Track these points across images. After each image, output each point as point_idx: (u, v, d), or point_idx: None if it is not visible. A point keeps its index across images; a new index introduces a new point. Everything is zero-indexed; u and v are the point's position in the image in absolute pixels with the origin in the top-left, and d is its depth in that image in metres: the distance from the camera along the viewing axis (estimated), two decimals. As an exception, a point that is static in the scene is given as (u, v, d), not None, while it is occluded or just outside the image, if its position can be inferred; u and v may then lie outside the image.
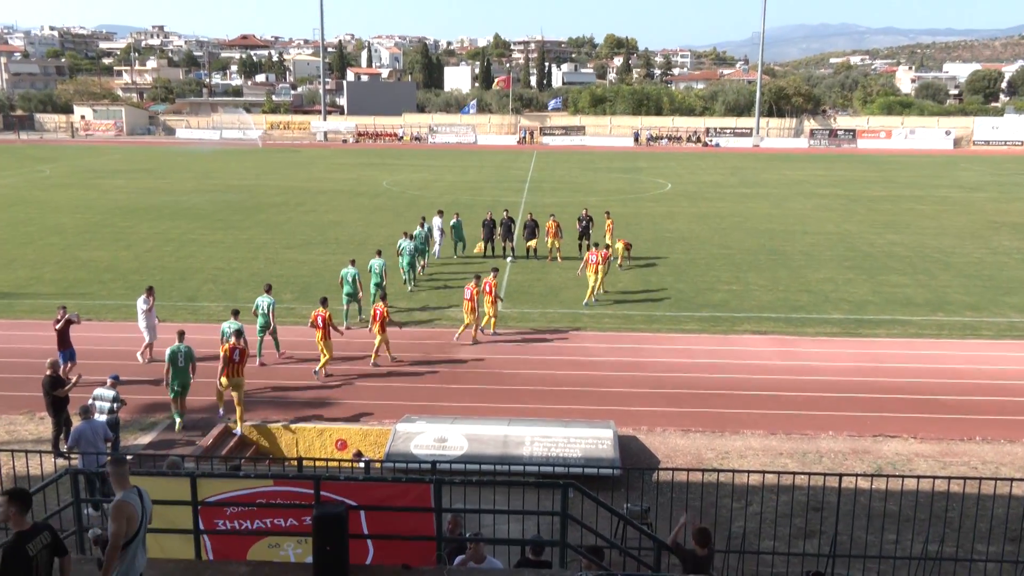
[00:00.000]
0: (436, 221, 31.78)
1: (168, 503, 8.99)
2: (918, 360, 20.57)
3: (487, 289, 21.51)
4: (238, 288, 26.99)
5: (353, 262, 23.44)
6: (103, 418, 14.24)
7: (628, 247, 30.30)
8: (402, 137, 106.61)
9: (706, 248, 34.49)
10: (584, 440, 14.90)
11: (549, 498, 12.13)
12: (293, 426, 16.36)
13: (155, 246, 34.01)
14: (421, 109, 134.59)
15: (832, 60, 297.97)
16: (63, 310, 18.80)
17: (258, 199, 48.60)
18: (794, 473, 11.75)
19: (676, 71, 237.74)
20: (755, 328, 23.04)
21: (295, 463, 12.23)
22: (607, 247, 28.33)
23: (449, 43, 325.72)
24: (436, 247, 31.60)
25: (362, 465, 13.37)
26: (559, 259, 31.06)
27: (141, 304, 20.16)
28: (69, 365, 18.26)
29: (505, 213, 32.30)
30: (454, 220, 31.77)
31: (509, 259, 31.35)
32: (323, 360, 18.98)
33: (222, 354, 16.46)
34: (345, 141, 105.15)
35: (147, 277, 28.44)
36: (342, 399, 17.89)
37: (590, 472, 14.06)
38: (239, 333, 17.37)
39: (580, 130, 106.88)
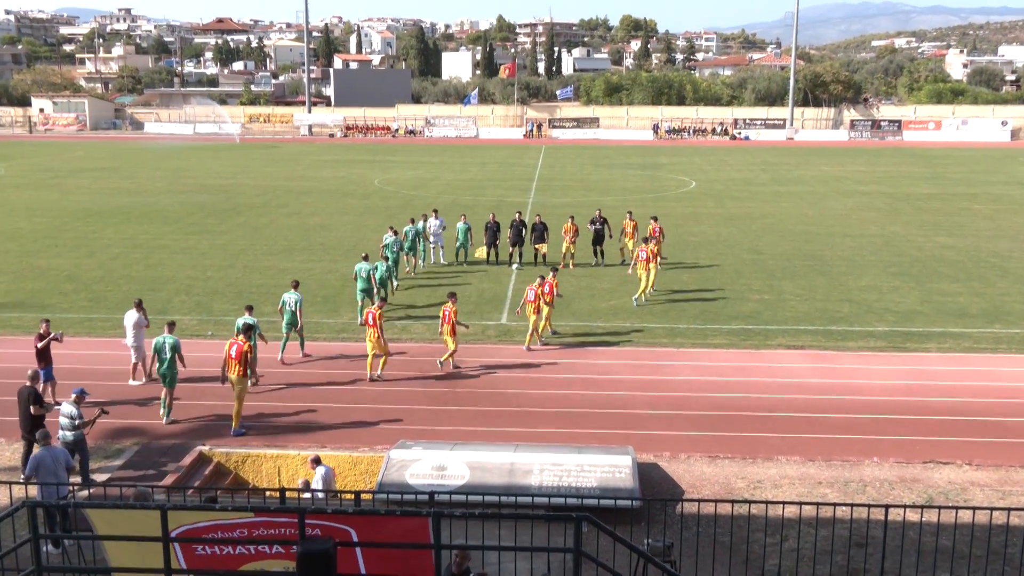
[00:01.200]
0: (433, 223, 31.84)
1: (135, 539, 8.99)
2: (973, 377, 20.51)
3: (547, 290, 22.23)
4: (213, 299, 27.05)
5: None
6: (69, 435, 14.61)
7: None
8: (396, 131, 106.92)
9: (735, 253, 34.47)
10: (599, 468, 14.87)
11: (561, 533, 12.10)
12: (275, 453, 16.35)
13: (121, 253, 34.13)
14: (417, 100, 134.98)
15: (874, 43, 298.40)
16: (46, 324, 18.86)
17: (235, 200, 48.76)
18: (835, 504, 11.72)
19: (700, 56, 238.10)
20: (790, 342, 23.00)
21: (277, 494, 12.20)
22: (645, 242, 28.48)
23: (447, 26, 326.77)
24: (432, 251, 31.73)
25: (308, 496, 13.53)
26: (571, 266, 31.08)
27: (131, 320, 20.09)
28: (47, 387, 18.28)
29: (517, 215, 32.38)
30: (461, 222, 31.85)
31: (515, 266, 31.38)
32: (381, 362, 20.10)
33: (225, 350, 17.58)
34: (332, 136, 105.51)
35: (112, 287, 28.55)
36: (330, 423, 17.90)
37: (606, 504, 14.02)
38: (247, 328, 18.29)
39: (593, 122, 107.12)
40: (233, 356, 17.34)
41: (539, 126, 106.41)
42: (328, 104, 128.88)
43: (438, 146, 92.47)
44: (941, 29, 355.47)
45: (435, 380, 20.21)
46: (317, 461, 14.47)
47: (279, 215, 43.62)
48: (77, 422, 14.90)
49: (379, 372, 20.16)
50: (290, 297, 21.41)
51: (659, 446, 16.77)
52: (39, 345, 18.47)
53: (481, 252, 31.84)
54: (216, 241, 36.63)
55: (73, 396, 15.12)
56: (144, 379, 19.85)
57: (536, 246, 31.64)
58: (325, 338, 23.21)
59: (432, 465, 15.07)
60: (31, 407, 15.20)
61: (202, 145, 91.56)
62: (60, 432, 14.91)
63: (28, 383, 15.48)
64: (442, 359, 20.83)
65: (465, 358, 21.55)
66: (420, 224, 31.19)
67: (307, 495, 13.95)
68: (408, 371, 20.76)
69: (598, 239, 31.83)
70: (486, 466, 15.01)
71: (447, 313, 20.65)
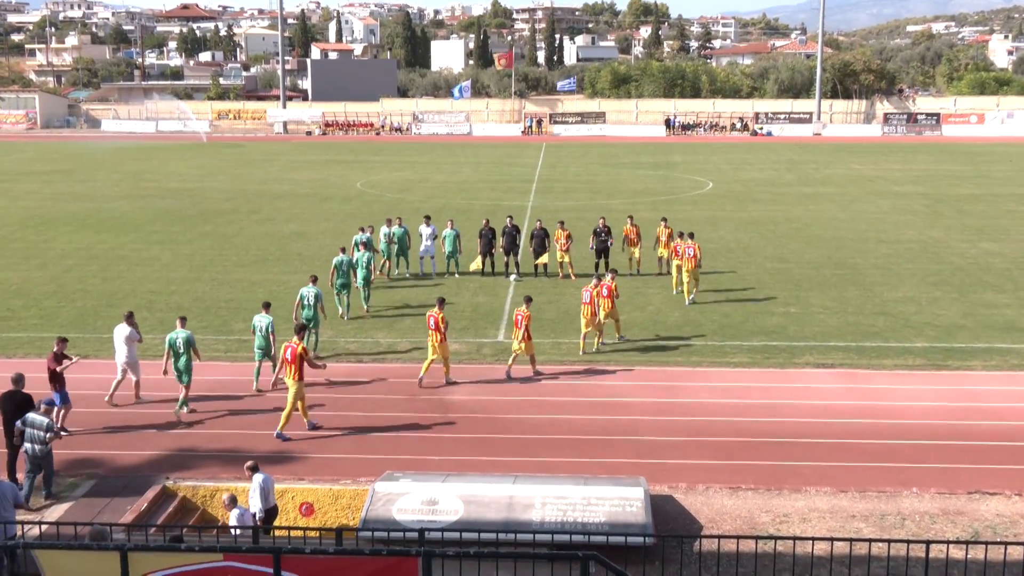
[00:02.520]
0: (424, 230, 31.87)
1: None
2: (1023, 398, 20.53)
3: (605, 293, 23.36)
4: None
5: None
6: (36, 448, 15.42)
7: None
8: (381, 128, 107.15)
9: (757, 261, 34.53)
10: (608, 501, 14.86)
11: (566, 573, 12.08)
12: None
13: (76, 264, 34.14)
14: (403, 93, 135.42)
15: (910, 28, 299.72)
16: (63, 343, 18.86)
17: (202, 206, 48.80)
18: (870, 540, 11.71)
19: (717, 43, 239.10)
20: (819, 360, 23.02)
21: (250, 532, 12.18)
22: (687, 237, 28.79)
23: (437, 12, 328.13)
24: (421, 259, 31.86)
25: (236, 512, 13.93)
26: (572, 276, 31.08)
27: (122, 335, 20.14)
28: (62, 411, 18.39)
29: (508, 220, 32.31)
30: (448, 229, 31.85)
31: (513, 277, 31.39)
32: (445, 368, 21.41)
33: (280, 355, 19.02)
34: (310, 133, 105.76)
35: (65, 303, 28.55)
36: (308, 452, 17.89)
37: (616, 541, 14.00)
38: (300, 329, 19.89)
39: (599, 117, 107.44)
40: (288, 359, 18.48)
41: (539, 122, 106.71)
42: (305, 99, 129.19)
43: (427, 144, 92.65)
44: (983, 12, 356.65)
45: (424, 404, 20.21)
46: (255, 468, 14.82)
47: (251, 222, 43.65)
48: (47, 435, 15.46)
49: (449, 378, 21.44)
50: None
51: (674, 476, 16.75)
52: (57, 368, 18.36)
53: (476, 263, 31.82)
54: (181, 251, 36.64)
55: (42, 407, 15.72)
56: (137, 399, 20.25)
57: (537, 260, 31.46)
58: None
59: (422, 499, 15.05)
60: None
61: (165, 145, 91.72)
62: (27, 444, 15.54)
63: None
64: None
65: (458, 379, 21.55)
66: (395, 228, 31.35)
67: (254, 508, 14.46)
68: (395, 394, 20.75)
69: (603, 251, 31.46)
70: (482, 500, 14.99)
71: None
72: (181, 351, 19.53)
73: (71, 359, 18.78)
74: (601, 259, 31.39)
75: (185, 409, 19.55)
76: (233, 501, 14.43)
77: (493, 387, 21.30)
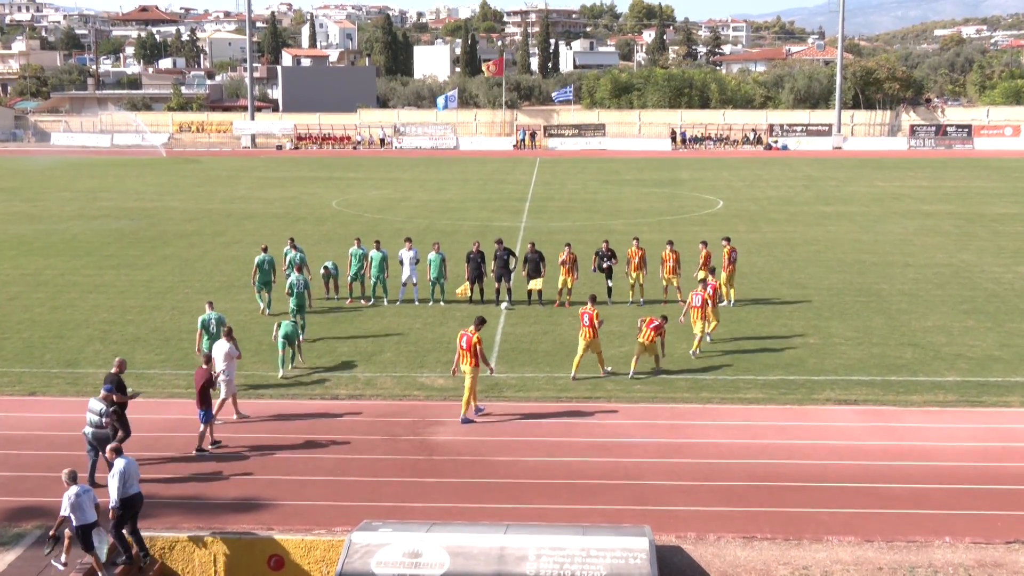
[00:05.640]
0: (406, 254, 31.90)
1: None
2: (1064, 437, 20.57)
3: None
4: (135, 348, 27.00)
5: (229, 333, 22.40)
6: (90, 431, 17.97)
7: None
8: (359, 142, 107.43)
9: (772, 287, 34.61)
10: (609, 553, 14.83)
11: (563, 633, 12.03)
12: (211, 536, 16.26)
13: (21, 292, 34.08)
14: (383, 103, 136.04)
15: (938, 32, 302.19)
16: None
17: (162, 227, 48.80)
18: (898, 595, 11.69)
19: (727, 49, 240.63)
20: (841, 396, 23.05)
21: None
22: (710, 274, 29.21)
23: (420, 14, 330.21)
24: (403, 286, 31.96)
25: (75, 489, 14.94)
26: (567, 304, 31.15)
27: (222, 350, 21.45)
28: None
29: (498, 244, 32.34)
30: (433, 253, 31.87)
31: (504, 305, 31.42)
32: (597, 358, 24.45)
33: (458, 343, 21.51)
34: (280, 147, 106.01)
35: (10, 334, 28.47)
36: (277, 498, 17.82)
37: (618, 597, 13.98)
38: (480, 322, 22.01)
39: (598, 129, 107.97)
40: (464, 347, 21.30)
41: (532, 134, 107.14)
42: (275, 109, 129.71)
43: (409, 159, 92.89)
44: (1018, 15, 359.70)
45: (407, 446, 20.16)
46: (118, 452, 15.68)
47: (215, 245, 43.65)
48: (104, 419, 17.95)
49: (606, 368, 24.37)
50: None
51: (682, 525, 16.73)
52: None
53: (463, 289, 31.84)
54: (138, 277, 36.60)
55: (102, 393, 18.29)
56: (236, 416, 21.51)
57: (530, 284, 31.56)
58: (271, 395, 23.17)
59: (404, 551, 15.00)
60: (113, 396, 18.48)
61: (121, 160, 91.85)
62: (86, 428, 18.11)
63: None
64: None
65: (443, 418, 21.53)
66: (373, 252, 31.90)
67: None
68: (374, 434, 20.72)
69: (606, 276, 31.88)
70: (470, 551, 14.95)
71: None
72: (213, 331, 23.05)
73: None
74: (607, 282, 31.75)
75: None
76: (73, 478, 15.28)
77: (482, 427, 21.27)
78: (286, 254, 32.04)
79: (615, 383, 23.94)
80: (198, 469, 19.11)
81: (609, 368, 24.70)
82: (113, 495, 15.31)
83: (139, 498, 15.68)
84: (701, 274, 31.05)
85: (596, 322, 23.96)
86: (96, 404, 18.14)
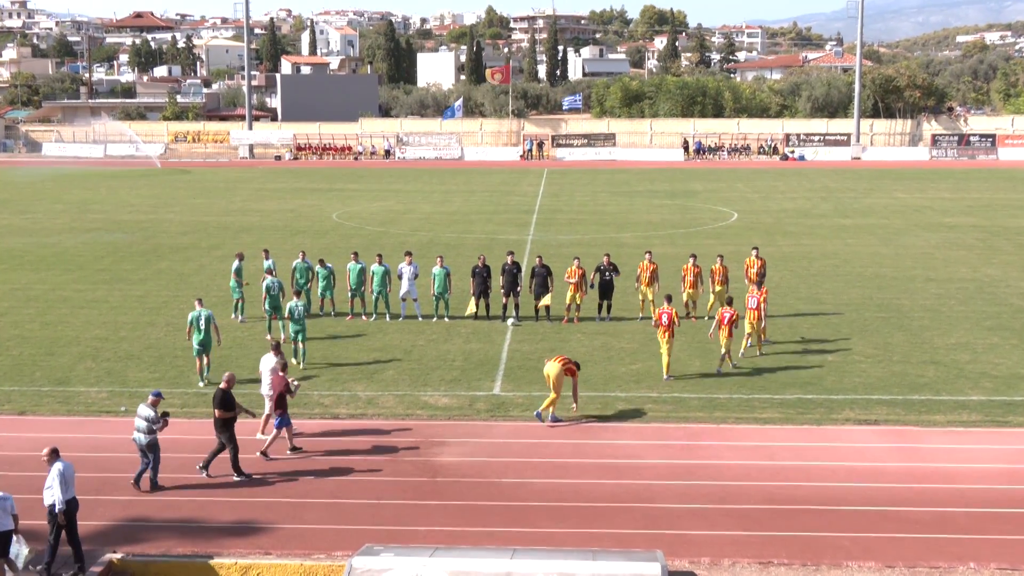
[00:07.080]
0: (406, 268, 31.90)
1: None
2: (1093, 459, 20.50)
3: (665, 321, 25.47)
4: (128, 366, 27.05)
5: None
6: (143, 438, 18.67)
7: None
8: (360, 153, 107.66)
9: (788, 302, 34.59)
10: (620, 578, 14.80)
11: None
12: (204, 562, 16.24)
13: (11, 308, 34.15)
14: (386, 112, 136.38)
15: (960, 38, 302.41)
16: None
17: (156, 240, 48.91)
18: (920, 623, 11.65)
19: (742, 56, 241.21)
20: (860, 416, 23.00)
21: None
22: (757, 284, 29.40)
23: (424, 20, 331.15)
24: (403, 302, 32.00)
25: (59, 466, 15.51)
26: (576, 320, 31.14)
27: (268, 364, 21.67)
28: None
29: (510, 258, 32.27)
30: (437, 267, 31.87)
31: (511, 321, 31.42)
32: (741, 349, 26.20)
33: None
34: (279, 158, 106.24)
35: None
36: (274, 522, 17.81)
37: (629, 624, 13.94)
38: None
39: (608, 139, 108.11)
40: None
41: (540, 144, 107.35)
42: (274, 119, 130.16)
43: (412, 170, 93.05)
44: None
45: (409, 467, 20.15)
46: (55, 453, 15.88)
47: (211, 259, 43.72)
48: (156, 425, 18.67)
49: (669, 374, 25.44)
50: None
51: (695, 549, 16.69)
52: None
53: (469, 305, 31.85)
54: (132, 292, 36.69)
55: (150, 399, 18.96)
56: (260, 434, 21.52)
57: (537, 301, 31.51)
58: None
59: (406, 576, 14.98)
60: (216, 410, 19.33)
61: (115, 171, 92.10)
62: (135, 434, 18.76)
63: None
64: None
65: (447, 438, 21.51)
66: (374, 267, 32.04)
67: None
68: (375, 455, 20.70)
69: (606, 291, 31.75)
70: (475, 577, 14.92)
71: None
72: (203, 326, 24.80)
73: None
74: (604, 301, 31.61)
75: (206, 384, 24.47)
76: (55, 454, 15.79)
77: (487, 447, 21.25)
78: (295, 267, 32.89)
79: (625, 401, 23.92)
80: (195, 493, 19.10)
81: (670, 376, 25.63)
82: (59, 497, 15.66)
83: (75, 503, 16.05)
84: (718, 288, 31.19)
85: (677, 322, 25.44)
86: (145, 410, 18.82)
